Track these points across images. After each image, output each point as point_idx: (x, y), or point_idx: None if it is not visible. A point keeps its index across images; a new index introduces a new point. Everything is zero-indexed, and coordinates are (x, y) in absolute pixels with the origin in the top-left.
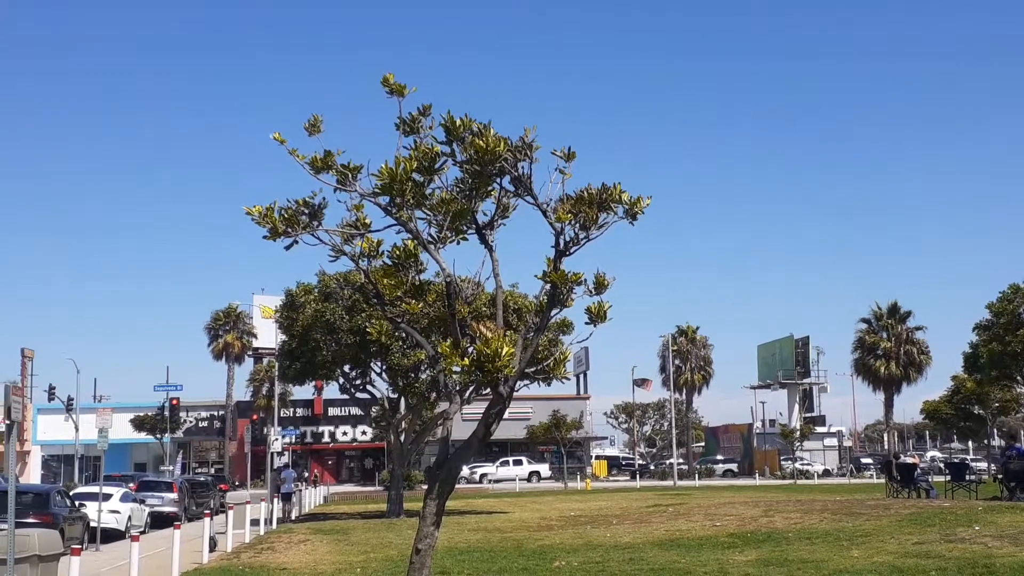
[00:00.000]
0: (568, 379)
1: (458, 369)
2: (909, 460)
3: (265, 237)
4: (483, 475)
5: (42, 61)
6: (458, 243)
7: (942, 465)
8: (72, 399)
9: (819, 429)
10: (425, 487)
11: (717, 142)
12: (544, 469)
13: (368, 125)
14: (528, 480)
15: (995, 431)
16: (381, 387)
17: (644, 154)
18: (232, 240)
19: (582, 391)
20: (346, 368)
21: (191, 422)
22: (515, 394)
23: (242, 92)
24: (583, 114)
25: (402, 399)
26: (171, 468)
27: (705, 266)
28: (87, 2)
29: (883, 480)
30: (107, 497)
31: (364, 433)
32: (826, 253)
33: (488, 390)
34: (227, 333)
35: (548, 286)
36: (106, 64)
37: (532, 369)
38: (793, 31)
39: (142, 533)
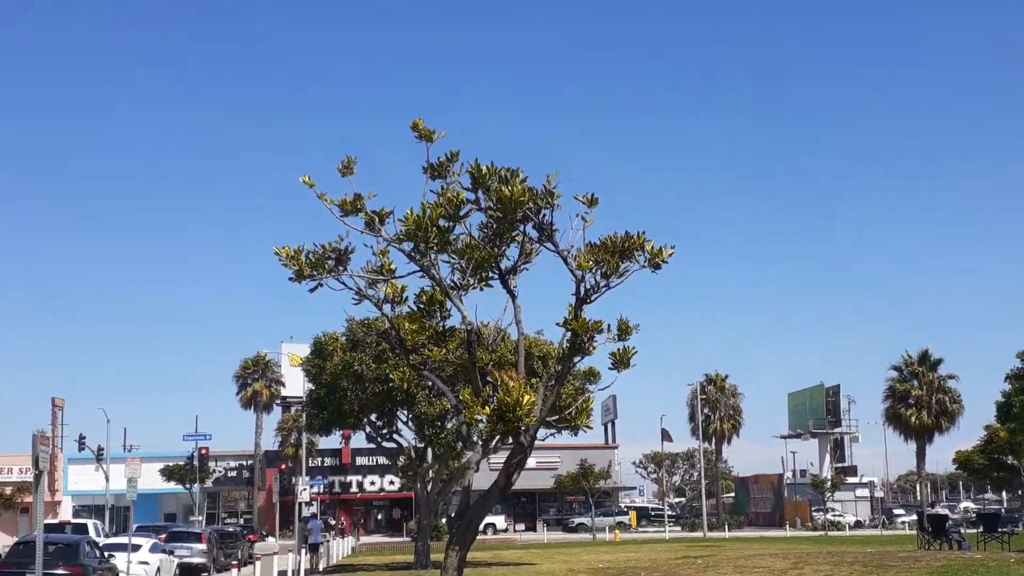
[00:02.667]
0: (590, 428)
1: (480, 418)
2: (941, 511)
3: (291, 279)
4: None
5: (75, 101)
6: (481, 289)
7: (974, 517)
8: (102, 449)
9: (850, 479)
10: (447, 539)
11: (747, 185)
12: (499, 521)
13: (396, 168)
14: (484, 532)
15: None
16: (408, 436)
17: (673, 197)
18: (261, 288)
19: (610, 440)
20: (373, 417)
21: (220, 472)
22: (542, 443)
23: (274, 135)
24: (610, 153)
25: (428, 449)
26: (200, 519)
27: (734, 314)
28: (117, 39)
29: (915, 531)
30: (136, 548)
31: (392, 483)
32: (856, 300)
33: (510, 439)
34: (255, 382)
35: (569, 334)
36: (132, 103)
37: (555, 418)
38: (828, 70)
39: None
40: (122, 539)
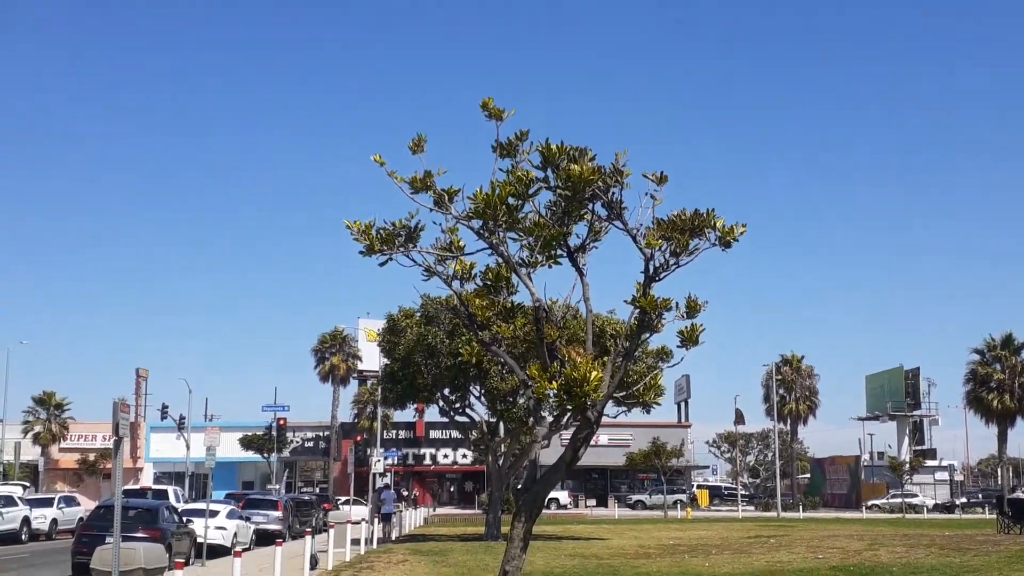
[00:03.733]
0: (659, 404)
1: (549, 393)
2: (1022, 495)
3: (361, 253)
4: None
5: (140, 94)
6: (550, 267)
7: None
8: (184, 418)
9: (929, 463)
10: (513, 512)
11: (824, 164)
12: (563, 496)
13: (466, 147)
14: (547, 507)
15: None
16: (480, 411)
17: (748, 176)
18: (340, 265)
19: (683, 419)
20: (446, 391)
21: (297, 442)
22: (614, 421)
23: (348, 116)
24: (686, 135)
25: (500, 423)
26: (277, 487)
27: (811, 294)
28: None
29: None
30: (214, 514)
31: (464, 456)
32: (938, 281)
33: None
34: (333, 355)
35: (637, 311)
36: (212, 87)
37: (622, 394)
38: (921, 50)
39: (246, 550)
40: (200, 505)
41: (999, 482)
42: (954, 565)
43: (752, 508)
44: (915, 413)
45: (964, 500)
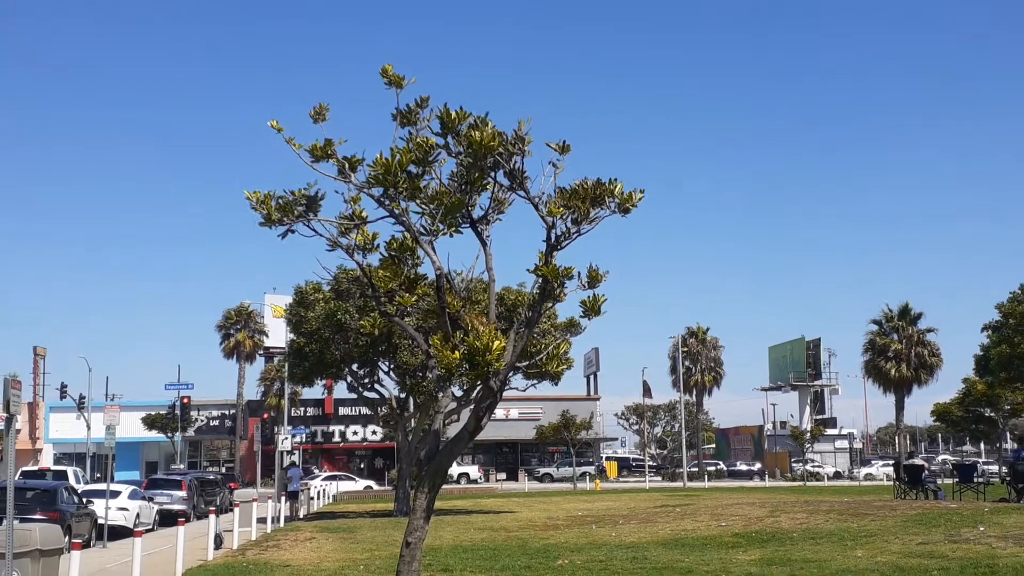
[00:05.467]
0: (562, 373)
1: (460, 367)
2: (917, 462)
3: (261, 224)
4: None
5: (37, 68)
6: (451, 236)
7: (951, 468)
8: (84, 397)
9: (830, 431)
10: (415, 483)
11: (731, 143)
12: (472, 471)
13: (367, 116)
14: (457, 481)
15: (1007, 434)
16: (390, 386)
17: (656, 154)
18: (244, 240)
19: (592, 392)
20: (355, 367)
21: (202, 421)
22: (524, 394)
23: (250, 86)
24: (594, 110)
25: (410, 398)
26: (181, 467)
27: (716, 267)
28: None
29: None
30: (115, 494)
31: (374, 433)
32: (837, 254)
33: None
34: (238, 332)
35: (540, 280)
36: (108, 64)
37: (525, 363)
38: (811, 39)
39: (150, 530)
40: (101, 486)
41: (897, 449)
42: (852, 530)
43: (659, 479)
44: (816, 383)
45: (869, 471)
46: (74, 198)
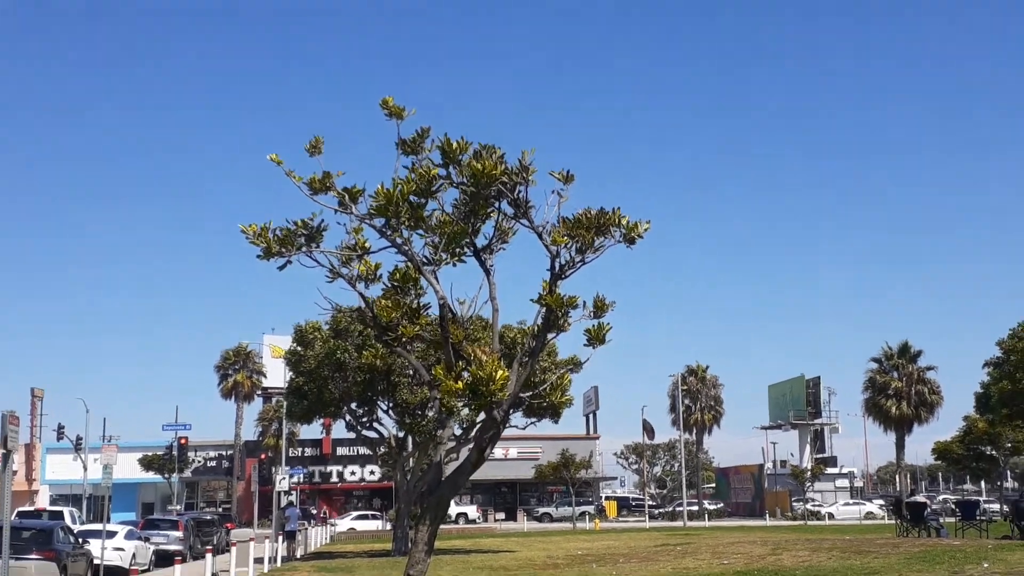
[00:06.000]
0: (566, 406)
1: (458, 404)
2: (920, 499)
3: (259, 256)
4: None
5: (30, 112)
6: (454, 265)
7: (953, 506)
8: (81, 438)
9: (830, 470)
10: (417, 517)
11: (732, 179)
12: (471, 511)
13: (368, 146)
14: (455, 522)
15: (1008, 472)
16: (388, 425)
17: (655, 192)
18: (243, 280)
19: (591, 431)
20: (353, 406)
21: (199, 462)
22: (523, 433)
23: (250, 121)
24: (597, 144)
25: (409, 437)
26: (177, 508)
27: (716, 306)
28: (70, 15)
29: (894, 521)
30: (112, 535)
31: (372, 473)
32: (837, 293)
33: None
34: (236, 372)
35: (544, 310)
36: (97, 100)
37: (528, 394)
38: (815, 72)
39: (146, 571)
40: (97, 526)
41: (898, 488)
42: (855, 567)
43: (659, 518)
44: (816, 421)
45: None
46: (72, 245)
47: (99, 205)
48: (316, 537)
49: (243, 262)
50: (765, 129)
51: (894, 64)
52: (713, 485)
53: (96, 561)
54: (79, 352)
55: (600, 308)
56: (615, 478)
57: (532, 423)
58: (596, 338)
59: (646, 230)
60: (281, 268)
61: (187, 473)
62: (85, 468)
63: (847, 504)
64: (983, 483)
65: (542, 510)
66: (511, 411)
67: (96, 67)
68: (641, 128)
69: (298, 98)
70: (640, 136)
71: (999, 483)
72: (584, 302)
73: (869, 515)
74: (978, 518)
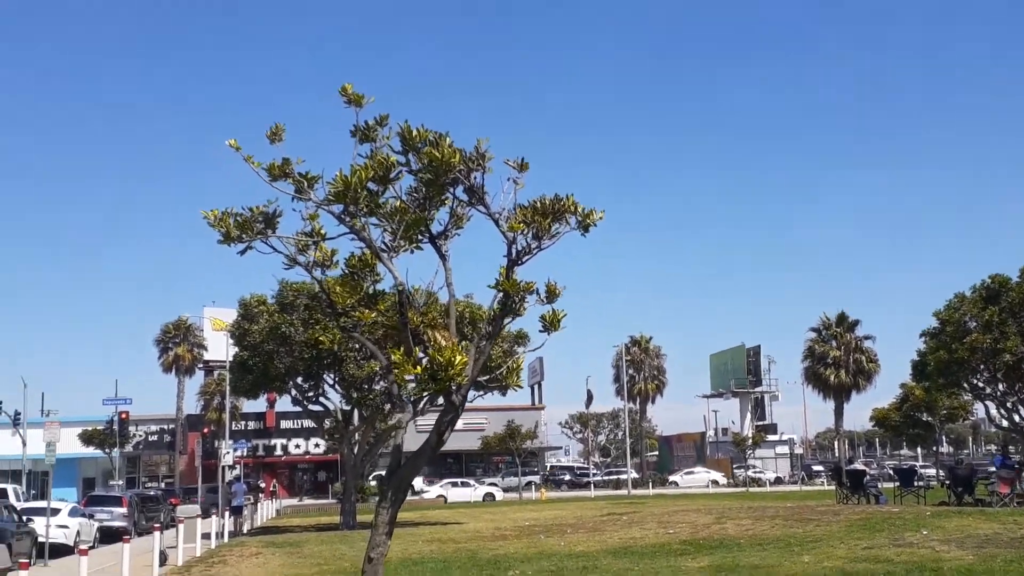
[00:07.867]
0: (521, 387)
1: (411, 378)
2: (859, 467)
3: (219, 241)
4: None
5: None
6: (412, 252)
7: (891, 472)
8: (19, 414)
9: (771, 437)
10: (377, 498)
11: (672, 151)
12: (417, 482)
13: (326, 133)
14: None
15: (943, 438)
16: (334, 399)
17: (601, 163)
18: (184, 253)
19: (537, 401)
20: (299, 380)
21: (141, 436)
22: (469, 405)
23: (202, 99)
24: (541, 122)
25: (355, 411)
26: (119, 483)
27: (658, 277)
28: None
29: (833, 487)
30: (55, 512)
31: (317, 446)
32: (777, 264)
33: (440, 400)
34: (177, 346)
35: (500, 295)
36: (59, 66)
37: (485, 378)
38: (740, 52)
39: (91, 548)
40: (41, 503)
41: (836, 454)
42: (798, 535)
43: (604, 487)
44: (756, 390)
45: (821, 469)
46: (8, 219)
47: (42, 181)
48: (263, 512)
49: (185, 236)
50: (694, 107)
51: (808, 46)
52: (656, 453)
53: (40, 539)
54: (14, 326)
55: (552, 294)
56: (560, 447)
57: (479, 395)
58: (552, 324)
59: (600, 219)
60: (241, 253)
61: (128, 448)
62: (24, 443)
63: (689, 473)
64: (919, 449)
65: (488, 481)
66: (468, 394)
67: (56, 48)
68: (584, 112)
69: (259, 86)
70: (582, 120)
71: (935, 448)
72: (537, 288)
73: (714, 483)
74: (916, 484)
